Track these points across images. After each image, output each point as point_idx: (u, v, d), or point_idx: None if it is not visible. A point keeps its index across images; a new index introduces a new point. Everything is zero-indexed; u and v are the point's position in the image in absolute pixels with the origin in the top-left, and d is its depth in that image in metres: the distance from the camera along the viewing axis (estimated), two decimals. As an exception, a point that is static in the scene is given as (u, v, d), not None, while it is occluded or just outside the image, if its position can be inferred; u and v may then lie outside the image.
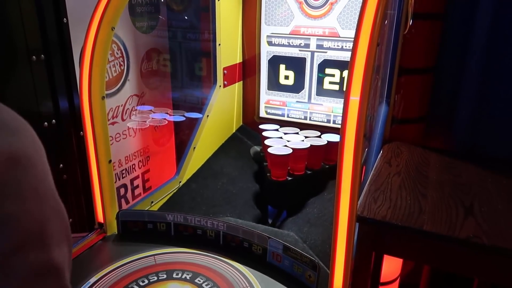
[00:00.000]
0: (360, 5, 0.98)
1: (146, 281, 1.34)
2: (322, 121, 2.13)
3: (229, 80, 2.17)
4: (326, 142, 1.89)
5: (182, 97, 2.29)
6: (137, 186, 2.07)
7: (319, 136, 1.98)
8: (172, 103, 2.24)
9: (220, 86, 2.12)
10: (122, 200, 1.97)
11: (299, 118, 2.19)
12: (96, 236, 1.58)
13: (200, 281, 1.35)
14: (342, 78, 2.02)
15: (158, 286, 1.33)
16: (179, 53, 2.22)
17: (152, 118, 2.10)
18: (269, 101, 2.24)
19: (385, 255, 1.26)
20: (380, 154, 1.50)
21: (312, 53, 2.05)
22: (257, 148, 2.20)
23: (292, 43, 2.08)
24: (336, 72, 2.02)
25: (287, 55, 2.12)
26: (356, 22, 0.97)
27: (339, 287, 1.13)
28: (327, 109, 2.10)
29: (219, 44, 2.06)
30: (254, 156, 2.18)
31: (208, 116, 2.08)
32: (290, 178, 1.81)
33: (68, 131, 1.69)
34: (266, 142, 1.90)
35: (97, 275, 1.36)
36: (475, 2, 1.45)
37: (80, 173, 1.76)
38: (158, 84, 2.13)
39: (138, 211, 1.69)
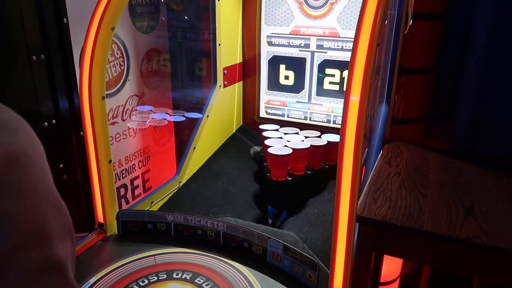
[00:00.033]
0: (360, 5, 0.98)
1: (146, 281, 1.34)
2: (322, 121, 2.13)
3: (229, 80, 2.17)
4: (326, 142, 1.89)
5: (182, 97, 2.29)
6: (137, 186, 2.07)
7: (319, 136, 1.98)
8: (172, 103, 2.24)
9: (220, 86, 2.12)
10: (122, 200, 1.97)
11: (299, 118, 2.19)
12: (96, 236, 1.59)
13: (200, 281, 1.35)
14: (342, 78, 2.02)
15: (158, 286, 1.33)
16: (179, 53, 2.22)
17: (152, 118, 2.10)
18: (269, 101, 2.24)
19: (385, 255, 1.26)
20: (380, 154, 1.50)
21: (312, 53, 2.05)
22: (257, 148, 2.20)
23: (292, 43, 2.08)
24: (336, 72, 2.02)
25: (287, 55, 2.12)
26: (356, 22, 0.97)
27: (339, 287, 1.13)
28: (327, 109, 2.10)
29: (219, 44, 2.06)
30: (254, 156, 2.18)
31: (208, 116, 2.08)
32: (290, 178, 1.81)
33: (68, 131, 1.69)
34: (266, 142, 1.90)
35: (97, 275, 1.36)
36: (475, 2, 1.45)
37: (80, 173, 1.76)
38: (158, 84, 2.13)
39: (138, 211, 1.69)
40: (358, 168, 1.00)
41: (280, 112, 2.23)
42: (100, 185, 1.54)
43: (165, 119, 2.18)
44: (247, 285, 1.34)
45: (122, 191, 1.97)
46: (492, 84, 1.50)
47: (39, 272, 0.41)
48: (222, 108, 2.18)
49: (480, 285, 1.47)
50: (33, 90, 1.54)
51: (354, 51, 0.96)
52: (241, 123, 2.36)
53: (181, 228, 1.57)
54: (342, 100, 0.99)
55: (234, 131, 2.32)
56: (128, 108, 1.93)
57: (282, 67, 2.15)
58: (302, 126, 2.13)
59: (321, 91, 2.09)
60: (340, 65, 2.00)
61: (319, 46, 2.03)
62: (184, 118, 2.24)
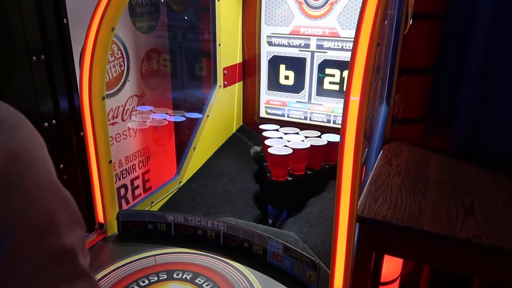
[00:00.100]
0: (360, 5, 0.98)
1: (147, 282, 1.34)
2: (322, 121, 2.13)
3: (229, 80, 2.17)
4: (326, 142, 1.90)
5: (182, 97, 2.29)
6: (138, 187, 2.07)
7: (319, 136, 1.98)
8: (172, 103, 2.24)
9: (220, 86, 2.12)
10: (123, 200, 1.97)
11: (299, 118, 2.19)
12: (97, 237, 1.59)
13: (200, 281, 1.35)
14: (342, 78, 2.02)
15: (159, 286, 1.33)
16: (179, 53, 2.22)
17: (152, 119, 2.10)
18: (269, 101, 2.24)
19: (385, 255, 1.26)
20: (380, 154, 1.50)
21: (312, 53, 2.05)
22: (257, 148, 2.20)
23: (292, 43, 2.08)
24: (336, 72, 2.02)
25: (287, 55, 2.12)
26: (356, 22, 0.97)
27: (339, 287, 1.13)
28: (327, 109, 2.10)
29: (219, 44, 2.06)
30: (254, 156, 2.18)
31: (208, 116, 2.08)
32: (290, 178, 1.81)
33: (68, 131, 1.69)
34: (266, 142, 1.90)
35: (97, 275, 1.36)
36: (475, 2, 1.45)
37: (80, 173, 1.76)
38: (158, 84, 2.13)
39: (139, 211, 1.69)
40: (358, 168, 1.01)
41: (280, 112, 2.23)
42: (100, 185, 1.54)
43: (165, 119, 2.18)
44: (248, 285, 1.34)
45: (122, 191, 1.97)
46: (492, 84, 1.50)
47: (51, 261, 0.42)
48: (222, 108, 2.18)
49: (480, 285, 1.47)
50: (33, 90, 1.54)
51: (354, 51, 0.96)
52: (241, 123, 2.36)
53: (182, 228, 1.57)
54: (342, 100, 0.99)
55: (234, 131, 2.32)
56: (128, 108, 1.93)
57: (282, 67, 2.15)
58: (302, 126, 2.13)
59: (321, 91, 2.09)
60: (340, 65, 2.00)
61: (319, 46, 2.03)
62: (184, 118, 2.24)
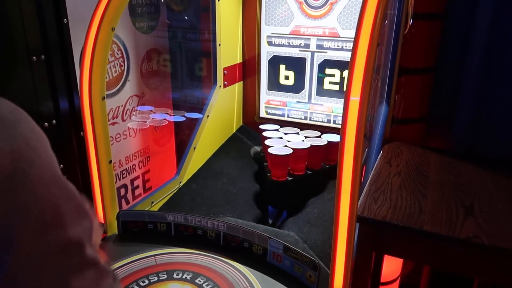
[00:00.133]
0: (360, 5, 0.98)
1: (147, 282, 1.34)
2: (322, 121, 2.13)
3: (229, 80, 2.17)
4: (326, 142, 1.89)
5: (182, 97, 2.29)
6: (138, 187, 2.07)
7: (319, 136, 1.98)
8: (172, 103, 2.24)
9: (220, 86, 2.12)
10: (123, 200, 1.97)
11: (299, 118, 2.19)
12: (97, 237, 1.58)
13: (200, 281, 1.35)
14: (342, 78, 2.02)
15: (159, 287, 1.33)
16: (179, 53, 2.22)
17: (152, 119, 2.10)
18: (269, 101, 2.24)
19: (385, 255, 1.26)
20: (380, 154, 1.50)
21: (312, 53, 2.05)
22: (257, 148, 2.20)
23: (292, 43, 2.08)
24: (336, 72, 2.02)
25: (287, 55, 2.12)
26: (356, 22, 0.97)
27: (339, 287, 1.13)
28: (327, 109, 2.10)
29: (219, 44, 2.06)
30: (254, 156, 2.18)
31: (208, 116, 2.08)
32: (290, 178, 1.81)
33: (68, 131, 1.69)
34: (266, 142, 1.90)
35: (97, 275, 1.36)
36: (475, 2, 1.45)
37: (80, 173, 1.76)
38: (158, 84, 2.13)
39: (139, 211, 1.69)
40: (358, 168, 1.01)
41: (280, 112, 2.23)
42: (100, 185, 1.54)
43: (165, 119, 2.18)
44: (248, 285, 1.34)
45: (122, 191, 1.97)
46: (492, 84, 1.50)
47: (58, 253, 0.43)
48: (222, 108, 2.18)
49: (480, 285, 1.47)
50: (33, 90, 1.54)
51: (354, 51, 0.96)
52: (241, 123, 2.36)
53: (182, 228, 1.57)
54: (342, 100, 0.99)
55: (234, 131, 2.32)
56: (128, 108, 1.93)
57: (282, 67, 2.15)
58: (302, 126, 2.13)
59: (321, 91, 2.09)
60: (340, 65, 2.00)
61: (319, 46, 2.03)
62: (184, 118, 2.24)
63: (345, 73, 1.97)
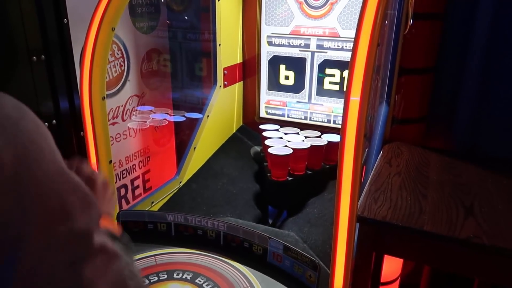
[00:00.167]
0: (360, 5, 0.98)
1: (147, 281, 1.34)
2: (322, 121, 2.13)
3: (229, 80, 2.17)
4: (326, 142, 1.89)
5: (182, 97, 2.29)
6: (138, 187, 2.07)
7: (319, 136, 1.98)
8: (172, 103, 2.24)
9: (220, 86, 2.12)
10: (123, 200, 1.97)
11: (299, 118, 2.19)
12: (97, 237, 1.58)
13: (200, 281, 1.35)
14: (342, 78, 2.02)
15: (159, 286, 1.33)
16: (179, 53, 2.22)
17: (153, 119, 2.10)
18: (269, 101, 2.24)
19: (385, 255, 1.27)
20: (380, 154, 1.50)
21: (312, 53, 2.05)
22: (258, 148, 2.20)
23: (292, 43, 2.09)
24: (336, 72, 2.02)
25: (287, 55, 2.12)
26: (356, 22, 0.97)
27: (339, 287, 1.13)
28: (327, 109, 2.10)
29: (219, 44, 2.06)
30: (255, 156, 2.18)
31: (208, 116, 2.08)
32: (290, 178, 1.81)
33: (68, 131, 1.69)
34: (267, 142, 1.90)
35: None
36: (475, 2, 1.45)
37: (80, 173, 1.76)
38: (159, 84, 2.13)
39: (139, 211, 1.69)
40: (359, 168, 1.01)
41: (280, 112, 2.23)
42: (100, 185, 1.54)
43: (165, 119, 2.18)
44: (248, 285, 1.34)
45: (123, 191, 1.97)
46: (492, 84, 1.50)
47: (68, 244, 0.45)
48: (222, 108, 2.18)
49: (481, 285, 1.47)
50: (33, 90, 1.54)
51: (354, 51, 0.96)
52: (241, 123, 2.36)
53: (182, 228, 1.57)
54: (342, 100, 0.99)
55: (234, 131, 2.32)
56: (129, 108, 1.93)
57: (282, 67, 2.15)
58: (302, 126, 2.13)
59: (321, 91, 2.09)
60: (340, 65, 2.00)
61: (319, 46, 2.03)
62: (184, 118, 2.24)
63: (345, 73, 1.97)
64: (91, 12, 1.40)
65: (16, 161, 0.42)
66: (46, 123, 1.61)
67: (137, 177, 2.06)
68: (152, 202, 1.84)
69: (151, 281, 1.35)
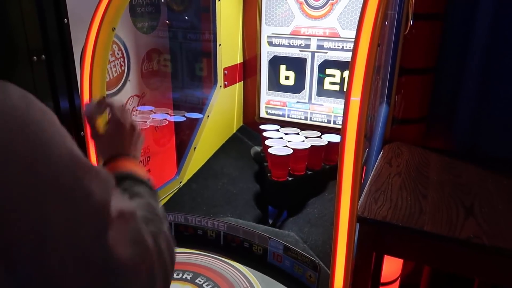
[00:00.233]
0: (361, 5, 0.98)
1: (147, 281, 1.34)
2: (322, 122, 2.13)
3: (229, 80, 2.17)
4: (326, 142, 1.90)
5: (182, 97, 2.29)
6: (138, 186, 2.06)
7: (320, 137, 1.98)
8: (172, 104, 2.24)
9: (220, 86, 2.12)
10: (123, 200, 1.97)
11: (300, 119, 2.19)
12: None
13: (200, 281, 1.35)
14: (342, 79, 2.02)
15: (159, 286, 1.33)
16: (179, 54, 2.22)
17: (153, 119, 2.10)
18: (269, 101, 2.24)
19: (385, 256, 1.26)
20: (380, 155, 1.50)
21: (313, 53, 2.05)
22: (258, 149, 2.20)
23: (292, 43, 2.09)
24: (337, 72, 2.02)
25: (287, 56, 2.12)
26: (357, 23, 0.97)
27: (339, 287, 1.13)
28: (328, 110, 2.10)
29: (220, 45, 2.06)
30: (255, 156, 2.18)
31: (208, 116, 2.08)
32: (290, 179, 1.81)
33: (68, 131, 1.69)
34: (267, 142, 1.90)
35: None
36: (475, 2, 1.45)
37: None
38: (159, 84, 2.13)
39: (139, 211, 1.68)
40: (359, 168, 1.01)
41: (280, 112, 2.23)
42: (100, 185, 1.54)
43: (165, 119, 2.18)
44: (248, 285, 1.34)
45: (123, 191, 1.97)
46: (492, 84, 1.50)
47: (90, 218, 0.47)
48: (222, 108, 2.18)
49: (481, 286, 1.47)
50: (34, 90, 1.54)
51: (354, 51, 0.96)
52: (242, 123, 2.36)
53: (182, 228, 1.57)
54: (343, 101, 0.99)
55: (234, 131, 2.32)
56: (129, 108, 1.93)
57: (283, 67, 2.15)
58: (303, 126, 2.13)
59: (321, 91, 2.09)
60: (341, 65, 2.00)
61: (320, 47, 2.03)
62: (185, 118, 2.24)
63: (346, 74, 1.97)
64: (91, 12, 1.40)
65: (30, 151, 0.43)
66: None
67: (137, 177, 2.06)
68: (152, 202, 1.84)
69: (151, 281, 1.34)
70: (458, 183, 1.28)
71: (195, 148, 2.03)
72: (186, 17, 2.18)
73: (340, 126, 0.99)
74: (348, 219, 1.05)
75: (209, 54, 2.12)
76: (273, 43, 2.13)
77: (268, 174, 1.82)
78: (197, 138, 2.04)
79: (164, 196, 1.90)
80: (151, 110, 2.08)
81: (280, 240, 1.41)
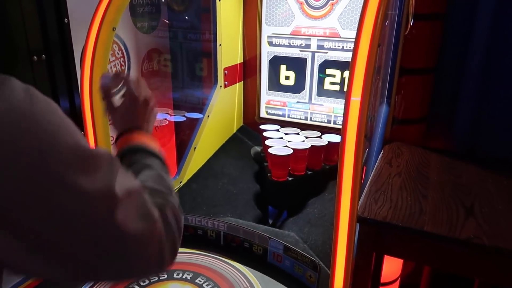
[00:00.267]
0: (361, 5, 0.98)
1: (147, 281, 1.34)
2: (322, 122, 2.13)
3: (229, 80, 2.17)
4: (326, 142, 1.90)
5: (182, 97, 2.29)
6: (138, 186, 2.07)
7: (320, 137, 1.98)
8: (172, 103, 2.24)
9: (220, 86, 2.12)
10: (123, 200, 1.97)
11: (300, 119, 2.19)
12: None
13: (200, 281, 1.35)
14: (342, 79, 2.02)
15: (159, 286, 1.33)
16: (180, 54, 2.22)
17: (153, 118, 2.10)
18: (269, 101, 2.24)
19: (385, 256, 1.26)
20: (380, 155, 1.50)
21: (313, 53, 2.05)
22: (258, 149, 2.20)
23: (292, 43, 2.09)
24: (337, 72, 2.02)
25: (287, 56, 2.12)
26: (357, 23, 0.97)
27: (339, 287, 1.13)
28: (328, 110, 2.10)
29: (220, 45, 2.06)
30: (255, 156, 2.18)
31: (208, 116, 2.08)
32: (290, 179, 1.81)
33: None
34: (267, 142, 1.90)
35: (98, 275, 1.36)
36: (475, 2, 1.45)
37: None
38: (159, 84, 2.13)
39: (139, 211, 1.68)
40: (359, 168, 1.01)
41: (280, 113, 2.23)
42: (100, 185, 1.54)
43: (165, 119, 2.18)
44: (248, 285, 1.34)
45: (123, 191, 1.97)
46: (492, 84, 1.50)
47: (100, 201, 0.50)
48: (222, 108, 2.18)
49: (481, 286, 1.47)
50: (34, 90, 1.54)
51: (355, 51, 0.96)
52: (242, 123, 2.36)
53: (182, 228, 1.57)
54: (343, 101, 0.99)
55: (234, 131, 2.32)
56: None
57: (283, 67, 2.15)
58: (303, 127, 2.13)
59: (321, 92, 2.09)
60: (341, 65, 2.00)
61: (320, 47, 2.03)
62: (185, 118, 2.24)
63: (346, 74, 1.97)
64: (91, 12, 1.40)
65: (38, 144, 0.45)
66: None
67: (138, 177, 2.06)
68: (153, 202, 1.84)
69: (151, 280, 1.35)
70: (458, 183, 1.28)
71: (195, 148, 2.03)
72: (186, 17, 2.18)
73: (340, 126, 0.99)
74: (348, 219, 1.05)
75: (209, 54, 2.12)
76: (273, 43, 2.13)
77: (268, 174, 1.82)
78: (197, 138, 2.04)
79: (164, 196, 1.90)
80: (151, 110, 2.08)
81: (280, 240, 1.41)
